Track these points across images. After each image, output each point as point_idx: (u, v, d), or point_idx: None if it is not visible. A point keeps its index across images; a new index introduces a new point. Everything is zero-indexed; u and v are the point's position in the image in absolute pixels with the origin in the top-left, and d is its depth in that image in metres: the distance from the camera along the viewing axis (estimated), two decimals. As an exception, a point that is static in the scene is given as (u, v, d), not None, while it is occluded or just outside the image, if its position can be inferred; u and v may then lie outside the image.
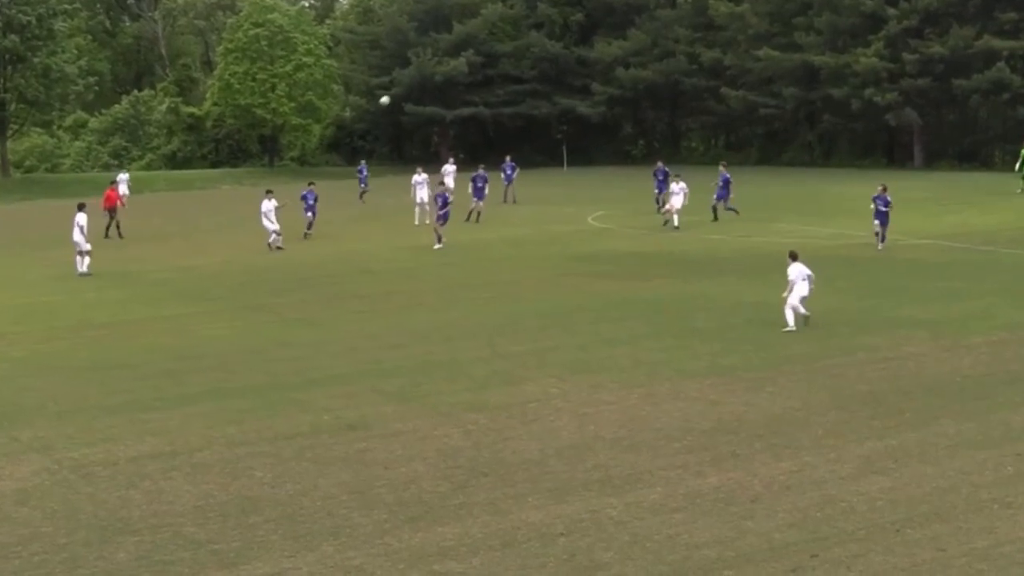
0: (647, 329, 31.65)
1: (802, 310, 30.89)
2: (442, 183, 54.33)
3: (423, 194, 60.17)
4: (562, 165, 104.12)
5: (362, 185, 75.99)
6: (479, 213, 60.13)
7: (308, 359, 28.87)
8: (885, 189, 46.01)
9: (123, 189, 75.85)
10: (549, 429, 22.20)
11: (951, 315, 32.59)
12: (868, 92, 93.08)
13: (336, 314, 35.20)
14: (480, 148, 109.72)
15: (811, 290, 31.10)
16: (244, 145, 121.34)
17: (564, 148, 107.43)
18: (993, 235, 49.71)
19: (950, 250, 45.77)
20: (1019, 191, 66.52)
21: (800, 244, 46.77)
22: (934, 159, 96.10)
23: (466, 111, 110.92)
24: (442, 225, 49.63)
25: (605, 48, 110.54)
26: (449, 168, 68.41)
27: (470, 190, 61.08)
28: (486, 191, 61.39)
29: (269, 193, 52.57)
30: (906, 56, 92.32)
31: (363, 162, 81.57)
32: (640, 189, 69.79)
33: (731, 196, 57.77)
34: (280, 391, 25.55)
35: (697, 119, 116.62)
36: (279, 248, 50.84)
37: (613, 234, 53.82)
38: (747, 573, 15.60)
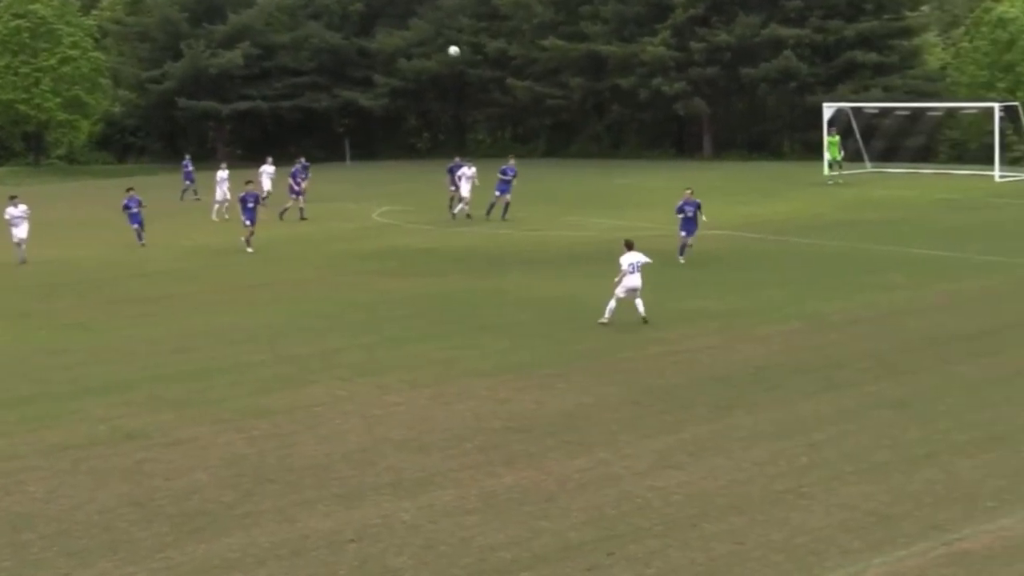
0: (436, 327, 31.75)
1: (640, 309, 30.80)
2: (249, 182, 52.71)
3: (225, 190, 59.94)
4: (344, 160, 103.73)
5: (187, 182, 73.05)
6: (301, 208, 59.64)
7: (83, 366, 28.36)
8: (692, 192, 41.99)
9: None
10: (336, 433, 22.17)
11: (744, 306, 33.30)
12: (656, 82, 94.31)
13: (113, 319, 34.60)
14: (259, 143, 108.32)
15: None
16: (7, 143, 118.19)
17: (346, 142, 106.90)
18: (784, 225, 50.85)
19: (742, 241, 46.69)
20: (839, 181, 67.44)
21: (591, 238, 47.46)
22: (723, 149, 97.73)
23: (243, 105, 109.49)
24: (251, 227, 47.78)
25: (387, 38, 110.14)
26: (268, 168, 67.06)
27: (290, 187, 60.50)
28: (304, 185, 61.03)
29: (13, 199, 48.79)
30: (693, 45, 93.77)
31: (187, 157, 78.38)
32: (427, 183, 69.86)
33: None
34: (53, 401, 25.06)
35: (483, 111, 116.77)
36: (22, 262, 46.79)
37: (399, 230, 53.80)
38: (543, 574, 15.77)
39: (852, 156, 74.68)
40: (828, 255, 42.65)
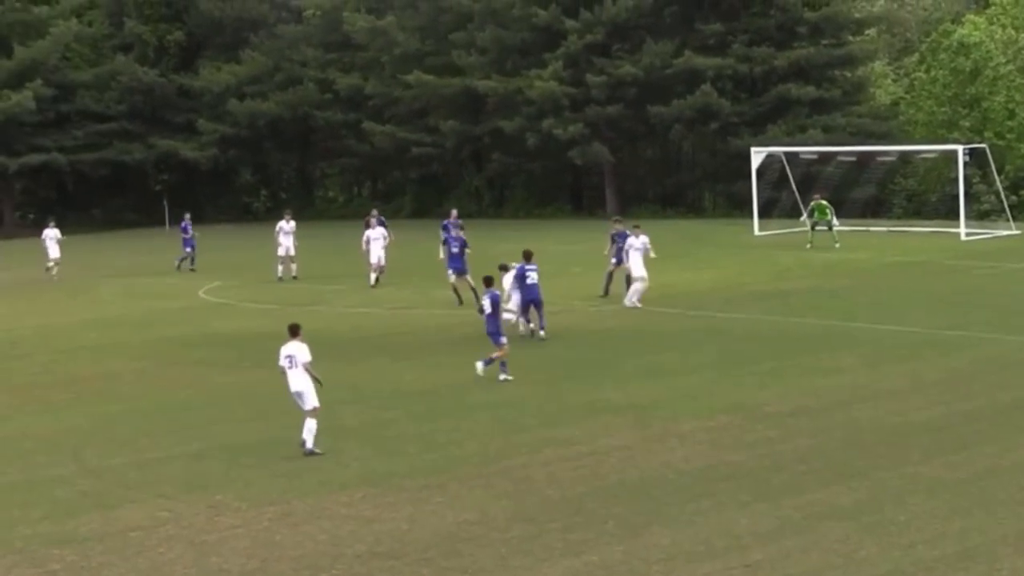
0: (279, 431, 31.44)
1: (522, 319, 35.55)
2: None
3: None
4: (164, 224, 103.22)
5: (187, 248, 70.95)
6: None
7: None
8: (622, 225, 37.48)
9: None
10: (159, 564, 21.92)
11: (659, 397, 33.35)
12: (546, 124, 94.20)
13: None
14: (56, 205, 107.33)
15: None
16: None
17: (165, 203, 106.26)
18: (705, 296, 51.11)
19: (654, 316, 46.84)
20: (835, 245, 67.28)
21: (469, 316, 47.43)
22: (630, 204, 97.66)
23: (35, 158, 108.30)
24: None
25: (214, 74, 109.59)
26: (51, 232, 66.87)
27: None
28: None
29: None
30: (591, 78, 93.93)
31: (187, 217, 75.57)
32: (266, 252, 69.58)
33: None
34: None
35: (335, 162, 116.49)
36: None
37: (232, 311, 53.47)
38: None
39: (788, 211, 75.41)
40: (761, 333, 42.88)
